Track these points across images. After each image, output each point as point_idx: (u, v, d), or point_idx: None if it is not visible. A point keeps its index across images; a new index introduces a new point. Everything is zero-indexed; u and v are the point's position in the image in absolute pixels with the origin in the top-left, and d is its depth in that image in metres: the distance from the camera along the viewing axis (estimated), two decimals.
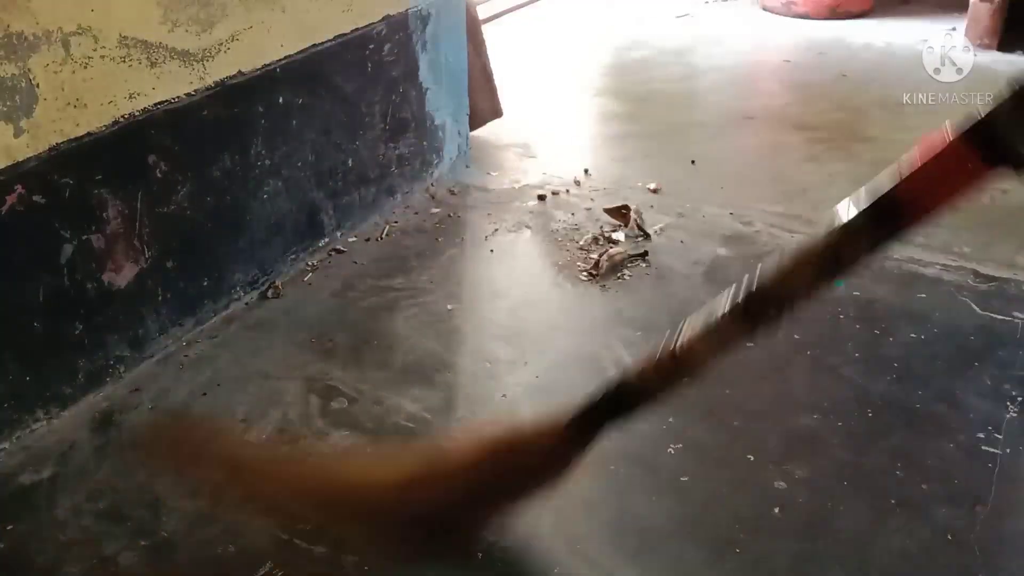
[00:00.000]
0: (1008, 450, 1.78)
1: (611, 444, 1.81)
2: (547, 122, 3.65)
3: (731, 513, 1.65)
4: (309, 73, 2.38)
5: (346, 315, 2.32)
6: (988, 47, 4.22)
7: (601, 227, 2.71)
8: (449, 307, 2.34)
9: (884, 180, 1.17)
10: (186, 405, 1.96)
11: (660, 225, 2.72)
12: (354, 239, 2.68)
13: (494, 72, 3.41)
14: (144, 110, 1.95)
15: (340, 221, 2.66)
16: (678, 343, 1.31)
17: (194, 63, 2.04)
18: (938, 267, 2.46)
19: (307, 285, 2.46)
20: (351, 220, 2.70)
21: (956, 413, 1.90)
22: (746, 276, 1.26)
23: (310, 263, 2.54)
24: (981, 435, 1.83)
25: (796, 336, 2.17)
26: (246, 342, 2.20)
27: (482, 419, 1.92)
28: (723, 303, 1.27)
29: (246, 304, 2.34)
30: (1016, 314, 2.23)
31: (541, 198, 2.93)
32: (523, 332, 2.22)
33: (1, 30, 1.63)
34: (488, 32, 3.62)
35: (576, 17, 5.23)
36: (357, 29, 2.51)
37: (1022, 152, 1.07)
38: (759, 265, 1.25)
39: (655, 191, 2.96)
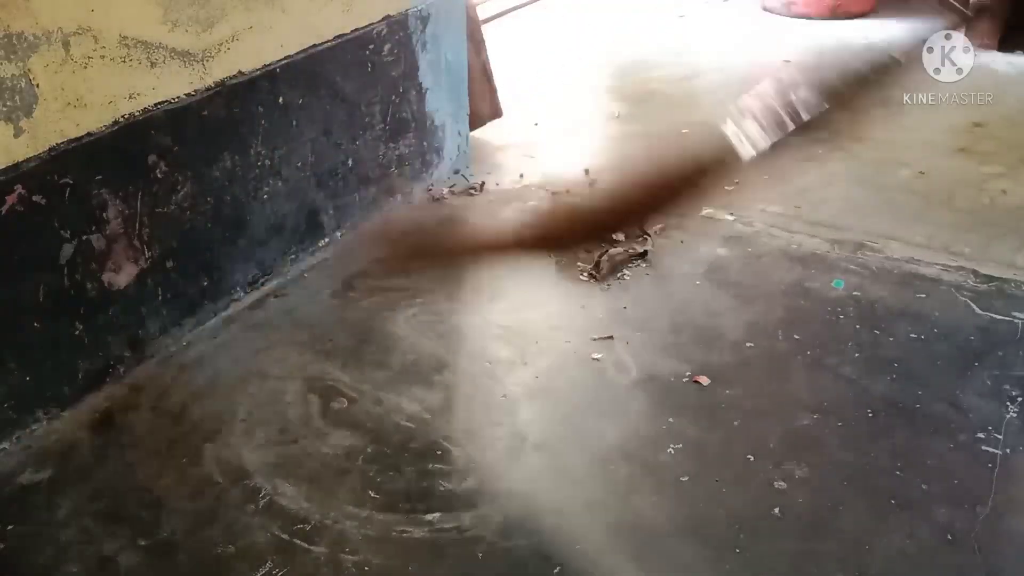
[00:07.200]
0: (1008, 450, 1.78)
1: (611, 444, 1.83)
2: (547, 122, 3.64)
3: (731, 513, 1.65)
4: (309, 73, 2.38)
5: (346, 315, 2.32)
6: (988, 47, 4.21)
7: None
8: (449, 307, 2.35)
9: None
10: (186, 405, 1.96)
11: (660, 225, 2.72)
12: (354, 239, 2.68)
13: (494, 72, 3.41)
14: (144, 110, 1.95)
15: (340, 221, 2.66)
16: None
17: (194, 63, 2.04)
18: (938, 267, 2.45)
19: (307, 285, 2.46)
20: (351, 220, 2.70)
21: (956, 413, 1.90)
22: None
23: (310, 263, 2.54)
24: (981, 435, 1.83)
25: (796, 336, 2.17)
26: (246, 342, 2.20)
27: None
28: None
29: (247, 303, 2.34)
30: (1016, 314, 2.23)
31: (541, 198, 2.93)
32: (523, 332, 2.22)
33: (1, 30, 1.63)
34: (488, 32, 3.61)
35: (576, 17, 5.23)
36: (357, 29, 2.51)
37: None
38: None
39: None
